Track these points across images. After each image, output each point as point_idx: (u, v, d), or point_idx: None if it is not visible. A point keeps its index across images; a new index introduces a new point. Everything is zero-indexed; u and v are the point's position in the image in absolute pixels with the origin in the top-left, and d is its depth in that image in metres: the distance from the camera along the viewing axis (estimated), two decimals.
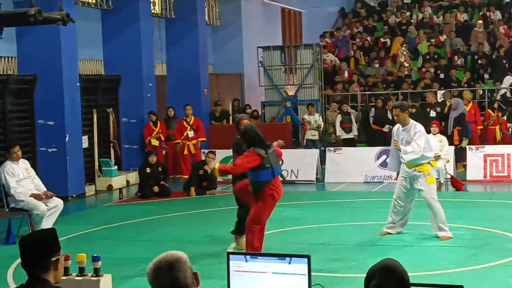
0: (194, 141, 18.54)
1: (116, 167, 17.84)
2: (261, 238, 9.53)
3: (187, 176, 17.33)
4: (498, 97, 20.93)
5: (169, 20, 21.28)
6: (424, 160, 10.48)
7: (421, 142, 10.41)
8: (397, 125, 10.84)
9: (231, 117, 22.14)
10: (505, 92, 21.43)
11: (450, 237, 10.44)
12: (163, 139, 18.71)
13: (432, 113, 18.81)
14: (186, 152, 18.45)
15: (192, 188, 16.06)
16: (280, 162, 10.33)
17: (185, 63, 20.84)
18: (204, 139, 18.74)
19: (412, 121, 10.75)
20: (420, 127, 10.64)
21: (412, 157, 10.44)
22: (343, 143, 19.79)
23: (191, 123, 18.66)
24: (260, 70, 22.05)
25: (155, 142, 18.39)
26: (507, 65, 22.50)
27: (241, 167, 9.27)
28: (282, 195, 9.70)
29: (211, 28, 23.84)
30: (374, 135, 19.98)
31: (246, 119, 10.85)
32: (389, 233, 10.87)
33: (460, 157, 17.40)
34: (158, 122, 18.62)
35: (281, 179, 9.85)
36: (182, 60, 20.89)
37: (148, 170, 16.24)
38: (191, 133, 18.56)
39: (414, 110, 18.77)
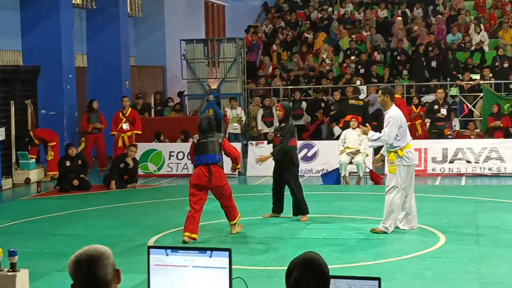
0: (129, 133, 18.28)
1: (33, 160, 17.47)
2: (189, 221, 10.30)
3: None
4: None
5: (90, 10, 20.95)
6: (392, 148, 10.35)
7: (388, 130, 10.25)
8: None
9: (153, 110, 21.97)
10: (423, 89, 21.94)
11: (382, 231, 10.35)
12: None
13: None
14: (120, 144, 18.15)
15: (113, 182, 15.86)
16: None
17: (107, 55, 20.57)
18: (140, 131, 18.38)
19: (392, 107, 10.47)
20: (393, 113, 10.38)
21: (376, 144, 10.57)
22: (265, 137, 19.87)
23: (127, 115, 18.39)
24: (183, 63, 21.95)
25: None
26: (424, 63, 23.01)
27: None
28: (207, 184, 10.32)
29: (133, 20, 23.60)
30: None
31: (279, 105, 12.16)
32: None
33: (379, 151, 17.68)
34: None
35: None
36: (103, 51, 20.61)
37: (68, 163, 15.97)
38: (126, 126, 18.27)
39: (360, 103, 19.17)
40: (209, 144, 10.29)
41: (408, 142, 10.47)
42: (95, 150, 18.65)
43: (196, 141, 10.42)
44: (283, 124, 11.90)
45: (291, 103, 20.93)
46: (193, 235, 10.25)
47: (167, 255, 4.51)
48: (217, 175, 10.35)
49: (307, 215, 11.65)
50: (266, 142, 12.95)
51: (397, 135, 10.30)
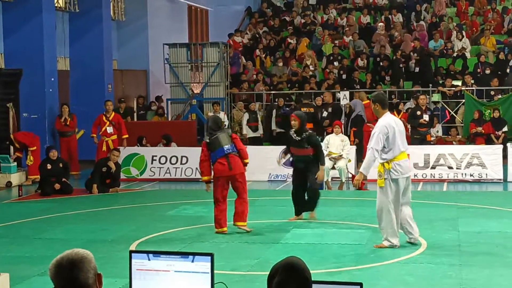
0: (114, 137, 18.20)
1: (15, 163, 17.37)
2: (219, 215, 10.98)
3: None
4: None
5: (73, 14, 20.89)
6: (380, 159, 9.81)
7: (373, 142, 9.71)
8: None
9: (135, 114, 21.92)
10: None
11: (384, 246, 9.88)
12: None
13: (324, 113, 19.28)
14: (104, 148, 18.06)
15: (94, 186, 15.80)
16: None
17: (89, 59, 20.51)
18: (127, 135, 18.28)
19: (384, 116, 9.85)
20: (380, 122, 9.81)
21: (369, 165, 9.86)
22: (249, 142, 19.91)
23: (110, 118, 18.31)
24: (166, 67, 21.91)
25: None
26: (403, 68, 23.14)
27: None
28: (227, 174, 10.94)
29: (116, 23, 23.54)
30: (278, 134, 20.31)
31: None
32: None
33: (361, 156, 17.75)
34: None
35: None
36: (86, 55, 20.56)
37: (49, 166, 15.89)
38: (110, 129, 18.19)
39: (311, 110, 19.16)
40: (221, 138, 10.92)
41: (397, 154, 9.71)
42: (67, 153, 18.54)
43: (208, 140, 11.00)
44: (307, 133, 11.83)
45: (274, 110, 21.06)
46: (222, 229, 11.01)
47: (149, 259, 4.50)
48: (236, 163, 10.97)
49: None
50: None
51: (384, 146, 9.69)
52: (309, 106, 19.29)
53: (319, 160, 11.90)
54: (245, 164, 11.34)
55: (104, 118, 18.25)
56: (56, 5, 19.73)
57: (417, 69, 23.05)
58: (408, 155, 10.26)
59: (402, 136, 9.84)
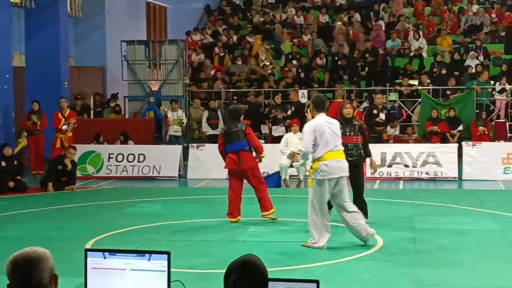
0: (70, 134, 18.00)
1: None
2: (232, 201, 11.73)
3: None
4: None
5: (29, 10, 20.60)
6: (311, 159, 9.78)
7: (303, 144, 9.79)
8: None
9: (92, 112, 21.73)
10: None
11: (308, 246, 9.87)
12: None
13: (288, 112, 19.37)
14: (58, 145, 17.87)
15: (50, 184, 15.61)
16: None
17: (45, 55, 20.26)
18: (75, 119, 18.16)
19: (316, 117, 9.84)
20: (308, 124, 9.85)
21: (306, 158, 9.82)
22: (209, 140, 19.87)
23: (66, 115, 18.11)
24: (124, 64, 21.75)
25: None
26: (363, 67, 23.33)
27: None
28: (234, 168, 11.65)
29: (73, 20, 23.30)
30: None
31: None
32: None
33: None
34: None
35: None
36: (42, 51, 20.30)
37: (3, 163, 15.66)
38: (65, 127, 18.01)
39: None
40: (234, 134, 11.50)
41: (323, 153, 9.61)
42: (35, 151, 18.34)
43: (223, 132, 11.72)
44: (354, 123, 11.47)
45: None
46: (236, 219, 11.61)
47: (104, 258, 4.45)
48: (246, 160, 11.55)
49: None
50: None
51: (313, 145, 9.65)
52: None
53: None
54: (259, 159, 11.82)
55: (59, 115, 18.07)
56: (11, 1, 19.43)
57: (373, 69, 23.23)
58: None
59: (334, 136, 9.78)
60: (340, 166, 9.76)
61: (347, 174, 9.92)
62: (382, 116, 18.67)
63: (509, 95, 21.00)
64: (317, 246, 9.80)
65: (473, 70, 22.17)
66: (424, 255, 9.46)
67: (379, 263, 9.06)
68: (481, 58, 22.96)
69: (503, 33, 25.11)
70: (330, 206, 11.03)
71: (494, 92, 21.14)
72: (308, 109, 10.14)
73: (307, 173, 15.98)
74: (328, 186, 9.67)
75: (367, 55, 23.54)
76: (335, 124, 9.97)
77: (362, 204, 11.09)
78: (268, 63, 24.07)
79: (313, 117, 9.89)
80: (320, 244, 9.81)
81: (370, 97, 20.05)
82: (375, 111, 18.82)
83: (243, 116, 12.19)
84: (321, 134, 9.65)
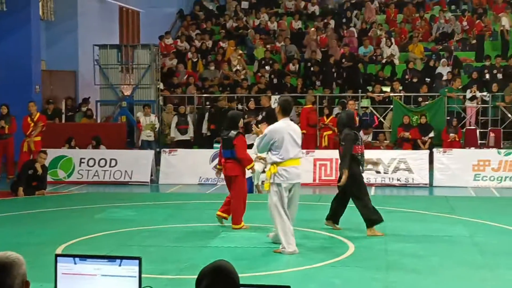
0: (38, 138, 17.83)
1: None
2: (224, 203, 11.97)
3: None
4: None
5: (1, 13, 20.40)
6: (269, 161, 9.94)
7: (258, 140, 10.01)
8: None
9: (64, 116, 21.57)
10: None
11: (279, 252, 9.92)
12: None
13: (259, 117, 19.45)
14: (25, 149, 17.70)
15: (20, 188, 15.48)
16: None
17: (17, 58, 20.10)
18: (43, 123, 17.99)
19: (280, 120, 9.99)
20: (270, 127, 9.99)
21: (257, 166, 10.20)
22: (177, 145, 19.82)
23: (35, 120, 17.95)
24: (96, 68, 21.64)
25: None
26: (335, 74, 23.43)
27: None
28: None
29: (45, 23, 23.12)
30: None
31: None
32: None
33: None
34: None
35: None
36: (13, 55, 20.13)
37: None
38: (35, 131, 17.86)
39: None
40: (224, 141, 11.77)
41: (285, 159, 9.77)
42: (5, 156, 18.15)
43: (221, 137, 12.01)
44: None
45: (207, 113, 20.98)
46: (223, 215, 11.83)
47: (75, 263, 4.42)
48: (228, 167, 11.68)
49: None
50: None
51: (272, 149, 9.81)
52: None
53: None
54: (247, 168, 11.85)
55: (29, 119, 17.92)
56: None
57: (345, 75, 23.35)
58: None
59: (294, 143, 9.89)
60: (297, 172, 10.02)
61: (301, 180, 10.12)
62: None
63: (479, 103, 21.22)
64: (289, 251, 9.84)
65: (445, 77, 22.38)
66: (395, 261, 9.51)
67: (350, 269, 9.10)
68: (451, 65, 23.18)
69: (474, 41, 25.38)
70: (336, 221, 11.09)
71: (465, 99, 21.35)
72: (276, 110, 10.24)
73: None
74: (286, 191, 9.87)
75: (343, 60, 23.66)
76: (297, 132, 10.08)
77: (342, 208, 11.55)
78: (240, 69, 24.09)
79: (278, 120, 10.02)
80: (291, 249, 9.85)
81: (342, 103, 20.13)
82: None
83: (239, 122, 12.06)
84: (281, 141, 9.78)
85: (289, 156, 9.83)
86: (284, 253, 9.85)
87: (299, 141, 10.04)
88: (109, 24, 26.08)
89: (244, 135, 12.11)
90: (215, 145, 19.94)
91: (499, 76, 22.30)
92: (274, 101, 20.61)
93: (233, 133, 11.61)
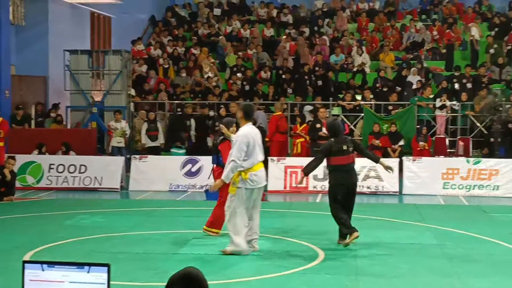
0: (1, 144, 17.64)
1: None
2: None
3: None
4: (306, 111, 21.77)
5: None
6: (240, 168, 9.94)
7: (235, 151, 9.86)
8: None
9: (33, 121, 21.39)
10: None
11: (229, 252, 10.10)
12: None
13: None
14: None
15: None
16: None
17: None
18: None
19: (245, 125, 10.10)
20: (241, 131, 10.04)
21: (231, 174, 9.82)
22: (148, 151, 19.74)
23: None
24: (66, 74, 21.49)
25: None
26: (308, 81, 23.51)
27: None
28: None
29: (15, 28, 22.93)
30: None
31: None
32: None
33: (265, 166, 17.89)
34: None
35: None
36: None
37: None
38: None
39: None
40: (213, 147, 11.91)
41: (255, 164, 9.96)
42: None
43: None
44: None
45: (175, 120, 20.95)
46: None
47: (43, 270, 4.38)
48: (214, 174, 11.51)
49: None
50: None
51: (244, 155, 9.88)
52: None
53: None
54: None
55: None
56: None
57: (317, 83, 23.45)
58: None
59: (260, 147, 10.14)
60: (264, 175, 10.32)
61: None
62: (325, 130, 18.82)
63: (449, 112, 21.42)
64: (240, 249, 10.02)
65: (414, 86, 22.57)
66: (365, 268, 9.55)
67: (320, 276, 9.12)
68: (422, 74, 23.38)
69: (444, 50, 25.64)
70: (344, 236, 11.02)
71: (434, 108, 21.53)
72: (238, 116, 10.25)
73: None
74: (255, 195, 10.11)
75: (317, 68, 23.76)
76: (259, 135, 10.27)
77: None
78: (212, 76, 24.08)
79: (241, 125, 10.13)
80: (243, 247, 10.03)
81: (314, 111, 20.21)
82: (318, 125, 18.99)
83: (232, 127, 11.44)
84: (253, 145, 9.95)
85: (258, 160, 10.06)
86: (234, 253, 9.99)
87: (261, 145, 10.29)
88: (80, 29, 25.93)
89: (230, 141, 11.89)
90: (172, 150, 19.97)
91: (469, 85, 22.53)
92: None
93: (220, 139, 11.40)
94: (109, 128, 20.10)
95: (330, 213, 11.16)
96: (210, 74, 24.07)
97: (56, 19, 24.12)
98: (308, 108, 21.20)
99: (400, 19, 28.52)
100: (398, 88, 22.76)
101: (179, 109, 21.96)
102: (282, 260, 9.97)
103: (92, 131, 20.56)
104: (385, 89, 22.44)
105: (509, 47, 24.86)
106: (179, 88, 23.59)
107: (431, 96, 21.92)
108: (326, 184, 17.09)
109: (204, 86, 23.57)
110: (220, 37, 26.63)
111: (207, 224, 11.55)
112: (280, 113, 20.57)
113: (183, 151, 19.89)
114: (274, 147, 19.83)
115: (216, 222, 11.42)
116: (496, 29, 25.84)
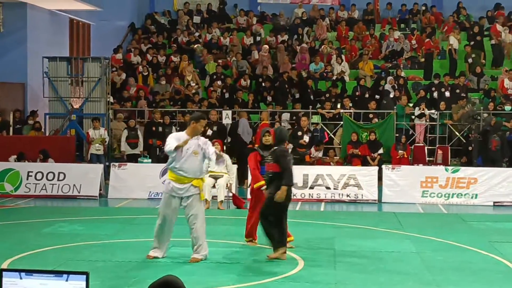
0: None
1: None
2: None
3: None
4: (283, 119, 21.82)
5: None
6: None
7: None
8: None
9: (11, 128, 21.23)
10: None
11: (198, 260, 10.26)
12: None
13: (209, 132, 19.42)
14: None
15: None
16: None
17: None
18: None
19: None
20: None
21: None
22: (127, 159, 19.67)
23: None
24: (45, 80, 21.38)
25: None
26: (288, 89, 23.56)
27: None
28: None
29: None
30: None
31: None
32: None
33: (243, 176, 17.91)
34: None
35: None
36: None
37: None
38: None
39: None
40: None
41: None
42: None
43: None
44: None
45: (154, 127, 20.86)
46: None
47: (21, 278, 4.35)
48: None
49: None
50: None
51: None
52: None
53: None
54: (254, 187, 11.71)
55: None
56: None
57: (296, 91, 23.50)
58: None
59: None
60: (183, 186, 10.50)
61: None
62: (306, 138, 18.89)
63: (428, 120, 21.54)
64: (206, 253, 10.32)
65: (392, 95, 22.68)
66: (344, 276, 9.56)
67: (299, 285, 9.12)
68: (400, 82, 23.48)
69: (423, 59, 25.81)
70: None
71: (413, 116, 21.65)
72: (192, 126, 10.33)
73: (230, 194, 16.04)
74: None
75: (296, 76, 23.80)
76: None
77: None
78: (194, 84, 24.05)
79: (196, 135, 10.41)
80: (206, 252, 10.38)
81: (297, 119, 20.27)
82: (299, 133, 19.03)
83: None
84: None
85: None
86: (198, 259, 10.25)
87: None
88: (59, 36, 25.80)
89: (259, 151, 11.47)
90: (140, 159, 19.88)
91: (447, 94, 22.68)
92: (225, 116, 20.62)
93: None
94: (88, 136, 20.00)
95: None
96: (192, 83, 24.04)
97: (35, 26, 23.98)
98: (286, 116, 21.25)
99: (380, 28, 28.60)
100: (377, 97, 22.85)
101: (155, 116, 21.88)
102: (262, 268, 9.96)
103: (71, 138, 20.44)
104: (365, 96, 22.53)
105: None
106: (158, 96, 23.54)
107: (411, 105, 22.06)
108: (305, 192, 17.21)
109: (183, 94, 23.54)
110: (196, 45, 26.58)
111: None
112: (266, 121, 20.58)
113: (149, 160, 19.83)
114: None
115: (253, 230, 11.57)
116: (477, 38, 25.99)
